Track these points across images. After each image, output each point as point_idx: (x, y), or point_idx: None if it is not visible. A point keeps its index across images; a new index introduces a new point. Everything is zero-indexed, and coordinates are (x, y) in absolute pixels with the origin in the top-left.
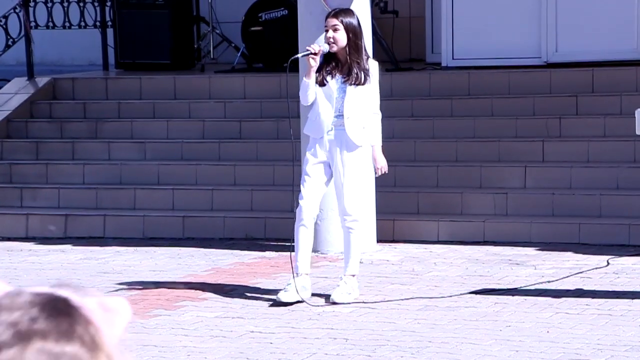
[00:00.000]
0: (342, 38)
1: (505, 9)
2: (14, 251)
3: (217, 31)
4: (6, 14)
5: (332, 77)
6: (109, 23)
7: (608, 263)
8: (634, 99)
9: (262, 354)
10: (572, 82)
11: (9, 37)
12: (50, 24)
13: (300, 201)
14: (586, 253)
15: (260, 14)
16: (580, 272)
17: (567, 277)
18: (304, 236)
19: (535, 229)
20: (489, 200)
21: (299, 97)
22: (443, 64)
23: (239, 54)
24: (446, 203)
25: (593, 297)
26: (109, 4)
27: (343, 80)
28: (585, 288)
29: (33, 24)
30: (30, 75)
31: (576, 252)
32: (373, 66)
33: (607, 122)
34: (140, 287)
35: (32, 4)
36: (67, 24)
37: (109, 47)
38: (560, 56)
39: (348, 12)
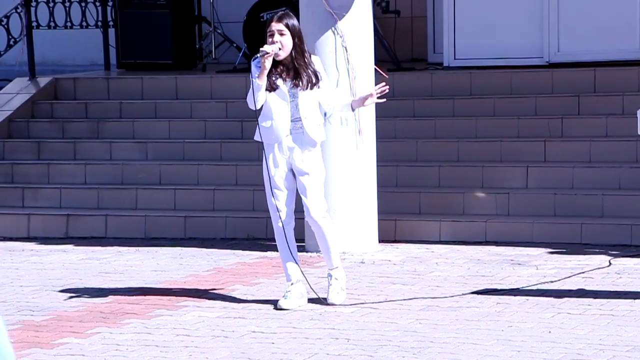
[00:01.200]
0: (288, 43)
1: (507, 9)
2: (15, 251)
3: (219, 31)
4: (8, 14)
5: (284, 81)
6: (111, 23)
7: (610, 263)
8: (636, 99)
9: (263, 354)
10: (574, 82)
11: (10, 37)
12: (52, 24)
13: (277, 213)
14: (588, 253)
15: (261, 14)
16: (582, 273)
17: (569, 277)
18: (288, 249)
19: (537, 229)
20: (491, 200)
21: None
22: (445, 64)
23: (240, 54)
24: (448, 203)
25: (595, 298)
26: (110, 3)
27: (292, 85)
28: (587, 288)
29: (35, 24)
30: (32, 75)
31: (578, 252)
32: (318, 62)
33: (609, 122)
34: (142, 287)
35: (33, 3)
36: (68, 24)
37: (111, 47)
38: (562, 56)
39: (291, 16)
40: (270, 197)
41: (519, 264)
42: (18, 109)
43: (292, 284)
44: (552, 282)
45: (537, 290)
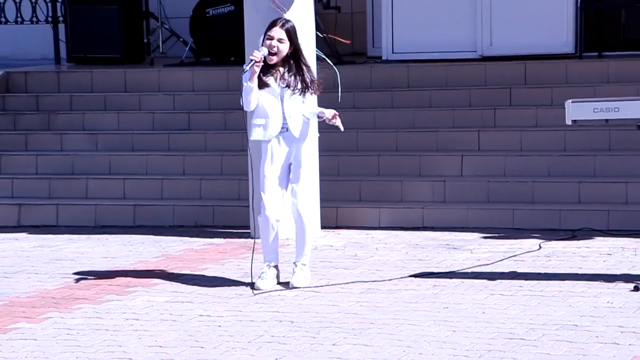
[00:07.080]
0: (285, 50)
1: (442, 5)
2: None
3: (166, 26)
4: None
5: (275, 79)
6: (61, 18)
7: (540, 247)
8: (564, 91)
9: (210, 336)
10: (505, 75)
11: None
12: (3, 20)
13: (264, 211)
14: (519, 237)
15: (207, 10)
16: (514, 256)
17: (502, 260)
18: (273, 238)
19: (471, 215)
20: (428, 187)
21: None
22: (383, 58)
23: (187, 49)
24: (387, 191)
25: (526, 279)
26: None
27: (283, 86)
28: (519, 271)
29: None
30: None
31: (510, 236)
32: (313, 66)
33: (539, 113)
34: (92, 273)
35: None
36: (19, 19)
37: (61, 41)
38: (495, 50)
39: (289, 21)
40: (262, 189)
41: (455, 248)
42: None
43: (268, 265)
44: (485, 265)
45: (472, 273)
